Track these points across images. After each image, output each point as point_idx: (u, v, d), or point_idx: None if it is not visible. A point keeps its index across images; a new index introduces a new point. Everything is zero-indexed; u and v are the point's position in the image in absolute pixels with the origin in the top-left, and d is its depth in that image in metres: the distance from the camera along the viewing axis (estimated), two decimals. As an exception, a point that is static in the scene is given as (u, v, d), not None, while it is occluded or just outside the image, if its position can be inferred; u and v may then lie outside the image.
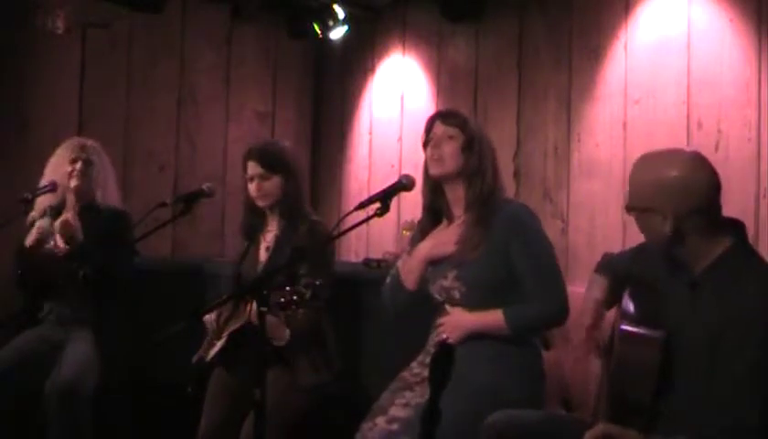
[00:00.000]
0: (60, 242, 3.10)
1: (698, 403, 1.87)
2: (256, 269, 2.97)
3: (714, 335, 1.84)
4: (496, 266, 2.43)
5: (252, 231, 3.05)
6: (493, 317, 2.43)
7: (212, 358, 2.88)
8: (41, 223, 3.15)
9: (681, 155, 2.00)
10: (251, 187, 2.97)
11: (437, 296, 2.56)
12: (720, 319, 1.84)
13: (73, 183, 3.20)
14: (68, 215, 3.14)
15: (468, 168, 2.49)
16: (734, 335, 1.82)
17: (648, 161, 2.00)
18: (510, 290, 2.43)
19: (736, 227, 1.97)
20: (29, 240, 3.13)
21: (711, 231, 1.94)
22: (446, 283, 2.51)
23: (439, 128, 2.53)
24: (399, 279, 2.61)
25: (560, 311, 2.42)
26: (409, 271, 2.58)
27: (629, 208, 2.01)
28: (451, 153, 2.49)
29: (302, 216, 2.94)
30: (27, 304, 3.27)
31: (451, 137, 2.50)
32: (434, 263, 2.54)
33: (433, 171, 2.53)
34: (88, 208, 3.19)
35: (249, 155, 3.00)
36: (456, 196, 2.54)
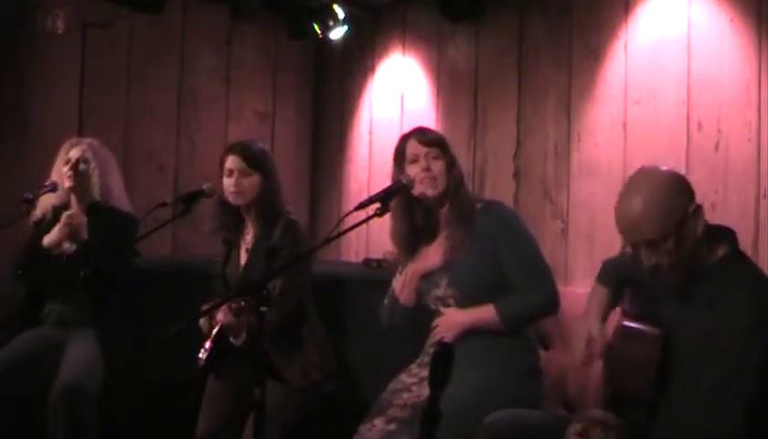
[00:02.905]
0: (67, 244, 3.09)
1: (688, 405, 1.87)
2: (238, 271, 2.96)
3: (703, 342, 1.85)
4: (485, 267, 2.47)
5: (230, 234, 3.02)
6: (485, 312, 2.45)
7: (203, 364, 2.88)
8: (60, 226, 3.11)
9: (649, 170, 2.01)
10: (229, 182, 2.91)
11: (433, 307, 2.58)
12: (708, 327, 1.85)
13: (66, 184, 3.18)
14: (73, 210, 3.12)
15: (452, 187, 2.53)
16: (720, 343, 1.82)
17: (635, 197, 1.94)
18: (501, 289, 2.46)
19: (728, 235, 1.97)
20: (48, 240, 3.10)
21: (708, 238, 1.94)
22: (439, 292, 2.53)
23: (418, 148, 2.54)
24: (394, 298, 2.63)
25: (549, 299, 2.46)
26: (403, 287, 2.61)
27: (660, 240, 1.91)
28: (440, 173, 2.53)
29: (278, 216, 2.91)
30: (28, 304, 3.27)
31: (435, 158, 2.53)
32: (426, 275, 2.56)
33: (428, 192, 2.52)
34: (94, 208, 3.18)
35: (230, 150, 2.96)
36: (441, 212, 2.57)
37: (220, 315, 2.78)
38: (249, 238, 2.97)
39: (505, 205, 2.67)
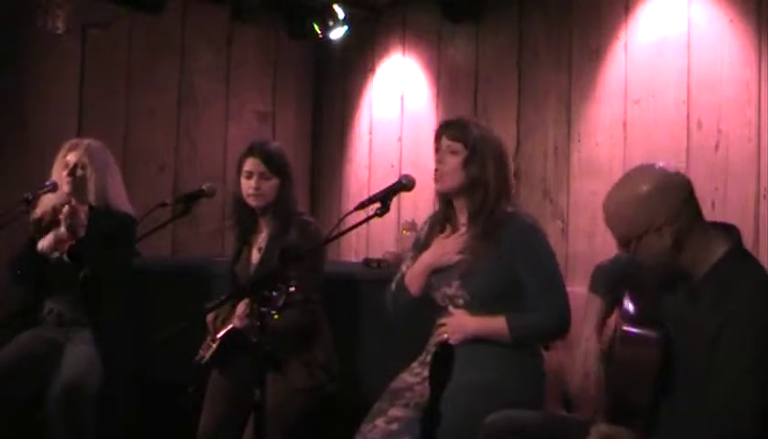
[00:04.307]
0: (66, 236, 3.08)
1: (694, 409, 1.87)
2: (249, 270, 2.97)
3: (709, 342, 1.84)
4: (501, 278, 2.44)
5: (244, 232, 3.03)
6: (496, 324, 2.43)
7: (207, 360, 2.88)
8: (55, 231, 3.11)
9: (642, 171, 2.00)
10: (248, 184, 2.93)
11: (440, 303, 2.57)
12: (715, 326, 1.84)
13: (65, 188, 3.17)
14: (75, 204, 3.11)
15: (469, 182, 2.49)
16: (728, 342, 1.82)
17: (616, 194, 1.98)
18: (513, 300, 2.44)
19: (731, 232, 1.97)
20: (43, 244, 3.10)
21: (705, 237, 1.94)
22: (450, 291, 2.51)
23: (444, 141, 2.54)
24: (403, 285, 2.62)
25: (560, 324, 2.42)
26: (413, 278, 2.59)
27: (623, 244, 1.98)
28: (451, 168, 2.50)
29: (293, 216, 2.93)
30: (27, 303, 3.26)
31: (453, 152, 2.51)
32: (438, 271, 2.55)
33: (436, 187, 2.56)
34: (94, 210, 3.18)
35: (250, 152, 2.96)
36: (460, 206, 2.57)
37: (237, 320, 2.78)
38: (261, 237, 2.98)
39: (531, 217, 2.59)
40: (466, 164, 2.49)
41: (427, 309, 2.60)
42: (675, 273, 1.97)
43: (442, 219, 2.64)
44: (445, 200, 2.61)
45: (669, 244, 1.91)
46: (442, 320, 2.54)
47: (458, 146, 2.51)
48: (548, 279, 2.45)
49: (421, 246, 2.65)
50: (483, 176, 2.49)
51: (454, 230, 2.59)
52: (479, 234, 2.47)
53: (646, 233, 1.91)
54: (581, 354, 2.17)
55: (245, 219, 3.01)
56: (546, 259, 2.49)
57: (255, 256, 2.99)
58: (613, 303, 2.17)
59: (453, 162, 2.50)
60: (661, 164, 2.00)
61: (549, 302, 2.42)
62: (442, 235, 2.61)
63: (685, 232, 1.91)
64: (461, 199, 2.55)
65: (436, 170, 2.53)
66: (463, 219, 2.57)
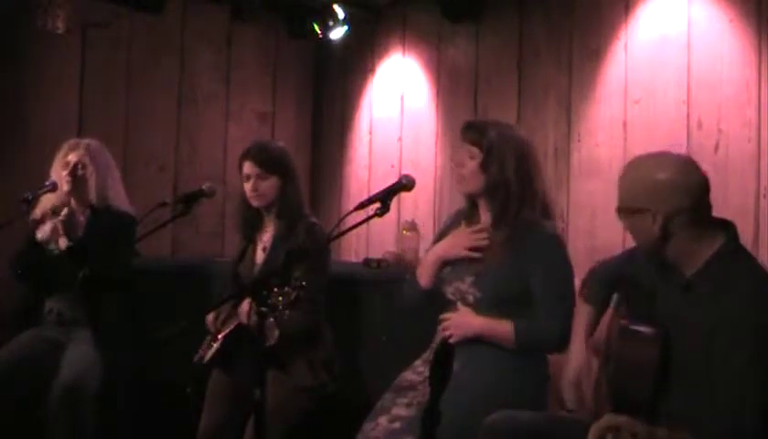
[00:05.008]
0: (63, 240, 3.09)
1: (695, 404, 1.87)
2: (253, 269, 2.97)
3: (708, 336, 1.85)
4: (514, 282, 2.44)
5: (250, 230, 3.05)
6: (501, 327, 2.42)
7: (209, 359, 2.89)
8: (53, 219, 3.12)
9: (672, 158, 2.02)
10: (247, 186, 2.96)
11: (451, 297, 2.56)
12: (713, 320, 1.85)
13: (65, 187, 3.17)
14: (73, 207, 3.12)
15: (489, 184, 2.48)
16: (727, 336, 1.82)
17: (638, 164, 2.02)
18: (522, 306, 2.43)
19: (727, 227, 1.97)
20: (42, 232, 3.11)
21: (701, 232, 1.94)
22: (463, 286, 2.51)
23: (464, 144, 2.54)
24: (414, 277, 2.61)
25: (561, 339, 2.40)
26: (423, 268, 2.59)
27: (620, 210, 2.01)
28: (469, 172, 2.50)
29: (299, 217, 2.94)
30: (28, 303, 3.26)
31: (471, 156, 2.50)
32: (452, 265, 2.55)
33: (458, 190, 2.57)
34: (94, 209, 3.19)
35: (245, 155, 2.99)
36: (483, 206, 2.56)
37: (244, 317, 2.78)
38: (267, 236, 2.99)
39: (554, 228, 2.57)
40: (484, 167, 2.48)
41: (436, 307, 2.59)
42: (666, 262, 1.98)
43: (463, 216, 2.64)
44: (470, 199, 2.61)
45: (657, 232, 1.93)
46: (446, 315, 2.54)
47: (475, 151, 2.50)
48: (557, 293, 2.43)
49: (437, 240, 2.65)
50: (503, 176, 2.46)
51: (470, 224, 2.58)
52: (502, 242, 2.46)
53: (643, 212, 1.94)
54: (572, 369, 2.19)
55: (250, 217, 3.03)
56: (559, 272, 2.46)
57: (260, 256, 2.99)
58: (605, 306, 2.18)
59: (471, 165, 2.50)
60: (691, 159, 2.03)
61: (553, 316, 2.40)
62: (460, 228, 2.61)
63: (677, 227, 1.93)
64: (483, 200, 2.55)
65: (455, 175, 2.55)
66: (485, 217, 2.57)
